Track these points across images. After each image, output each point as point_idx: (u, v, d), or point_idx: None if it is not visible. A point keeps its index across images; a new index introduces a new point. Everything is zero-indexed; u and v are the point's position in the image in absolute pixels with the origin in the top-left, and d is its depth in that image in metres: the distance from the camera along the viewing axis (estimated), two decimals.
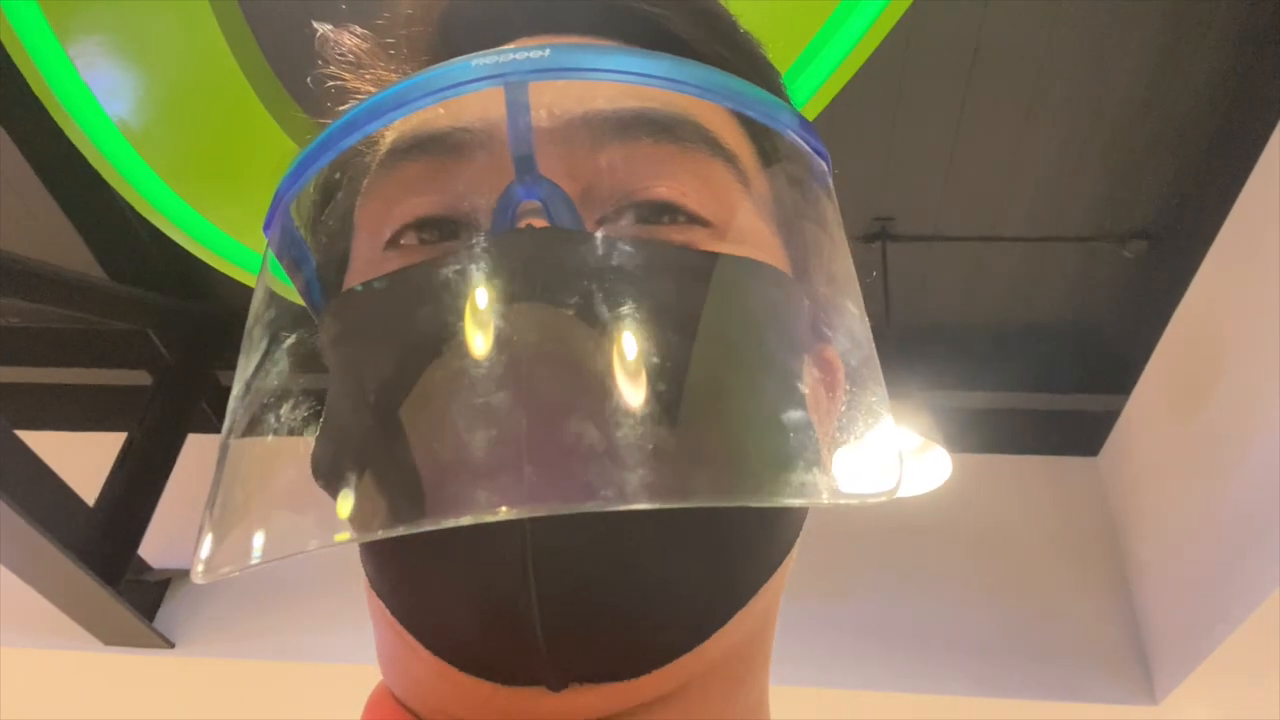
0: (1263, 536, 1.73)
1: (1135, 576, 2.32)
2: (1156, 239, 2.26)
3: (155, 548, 2.42)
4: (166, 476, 2.44)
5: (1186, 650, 2.00)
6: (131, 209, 1.45)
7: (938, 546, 2.38)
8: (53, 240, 2.35)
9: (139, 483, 2.37)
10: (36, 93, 1.32)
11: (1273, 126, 1.77)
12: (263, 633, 2.39)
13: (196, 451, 2.53)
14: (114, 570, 2.22)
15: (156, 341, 2.56)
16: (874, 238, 2.28)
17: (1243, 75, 1.91)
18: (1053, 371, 2.58)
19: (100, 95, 1.31)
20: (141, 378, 2.70)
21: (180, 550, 2.50)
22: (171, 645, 2.40)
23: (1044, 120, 2.07)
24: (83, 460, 2.33)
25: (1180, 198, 2.18)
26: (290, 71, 1.43)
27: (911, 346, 2.39)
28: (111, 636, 2.37)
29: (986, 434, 2.49)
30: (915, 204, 2.27)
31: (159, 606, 2.46)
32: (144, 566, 2.41)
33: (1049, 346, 2.57)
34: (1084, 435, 2.57)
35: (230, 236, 1.39)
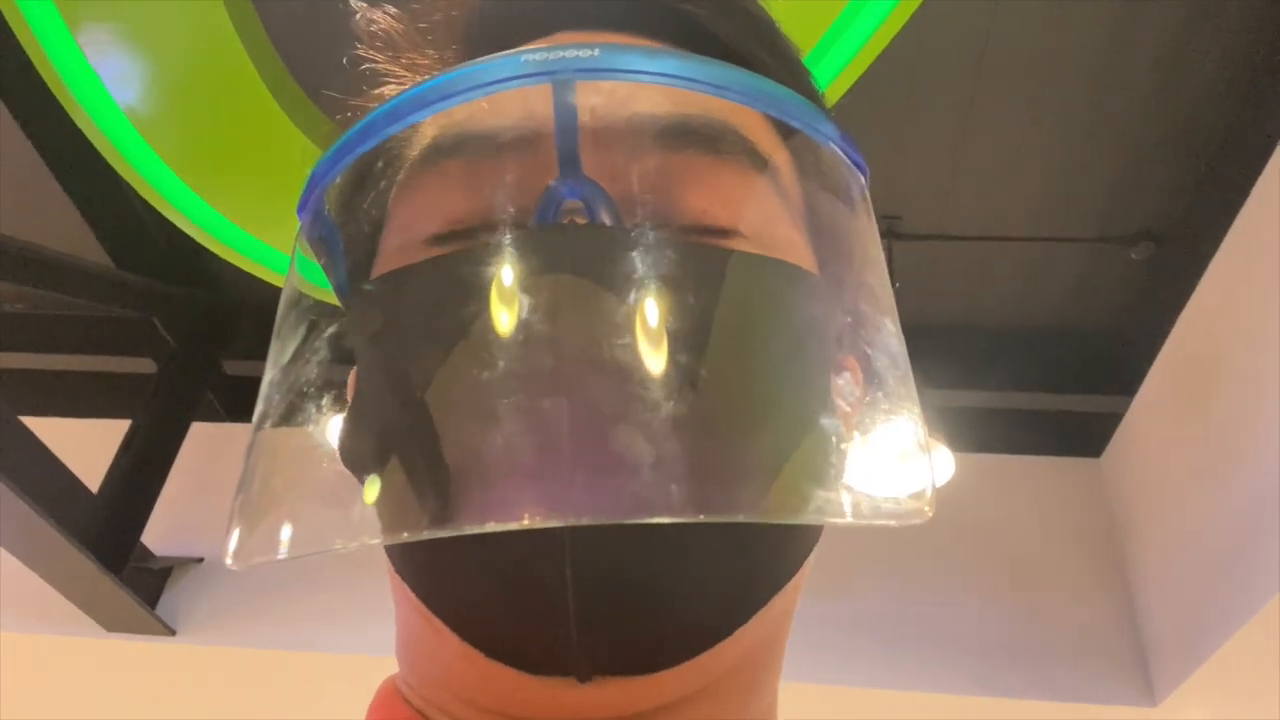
0: (1264, 540, 1.73)
1: (1136, 578, 2.32)
2: (1163, 241, 2.26)
3: (158, 535, 2.43)
4: (170, 464, 2.45)
5: (1186, 652, 2.00)
6: (138, 197, 1.45)
7: (939, 545, 2.38)
8: (59, 227, 2.35)
9: (143, 470, 2.38)
10: (46, 80, 1.33)
11: None
12: (264, 621, 2.40)
13: (200, 440, 2.54)
14: (117, 557, 2.23)
15: (161, 329, 2.56)
16: (880, 236, 2.27)
17: (1251, 76, 1.91)
18: (1057, 372, 2.57)
19: (109, 83, 1.31)
20: (146, 365, 2.71)
21: (183, 538, 2.51)
22: (173, 632, 2.41)
23: (1051, 120, 2.06)
24: (87, 447, 2.34)
25: (1187, 200, 2.17)
26: (299, 61, 1.43)
27: (916, 344, 2.35)
28: (113, 623, 2.38)
29: (989, 434, 2.49)
30: (922, 203, 2.26)
31: (161, 593, 2.47)
32: (147, 553, 2.42)
33: (1053, 347, 2.56)
34: (1087, 436, 2.57)
35: (237, 225, 1.39)
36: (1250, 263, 1.88)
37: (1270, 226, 1.81)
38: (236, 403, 2.79)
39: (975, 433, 2.35)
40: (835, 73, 1.14)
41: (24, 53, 1.32)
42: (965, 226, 2.31)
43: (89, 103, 1.32)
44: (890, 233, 2.29)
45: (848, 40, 1.11)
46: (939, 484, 2.01)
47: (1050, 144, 2.12)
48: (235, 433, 2.68)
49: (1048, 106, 2.04)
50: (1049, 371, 2.57)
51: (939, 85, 2.02)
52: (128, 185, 1.43)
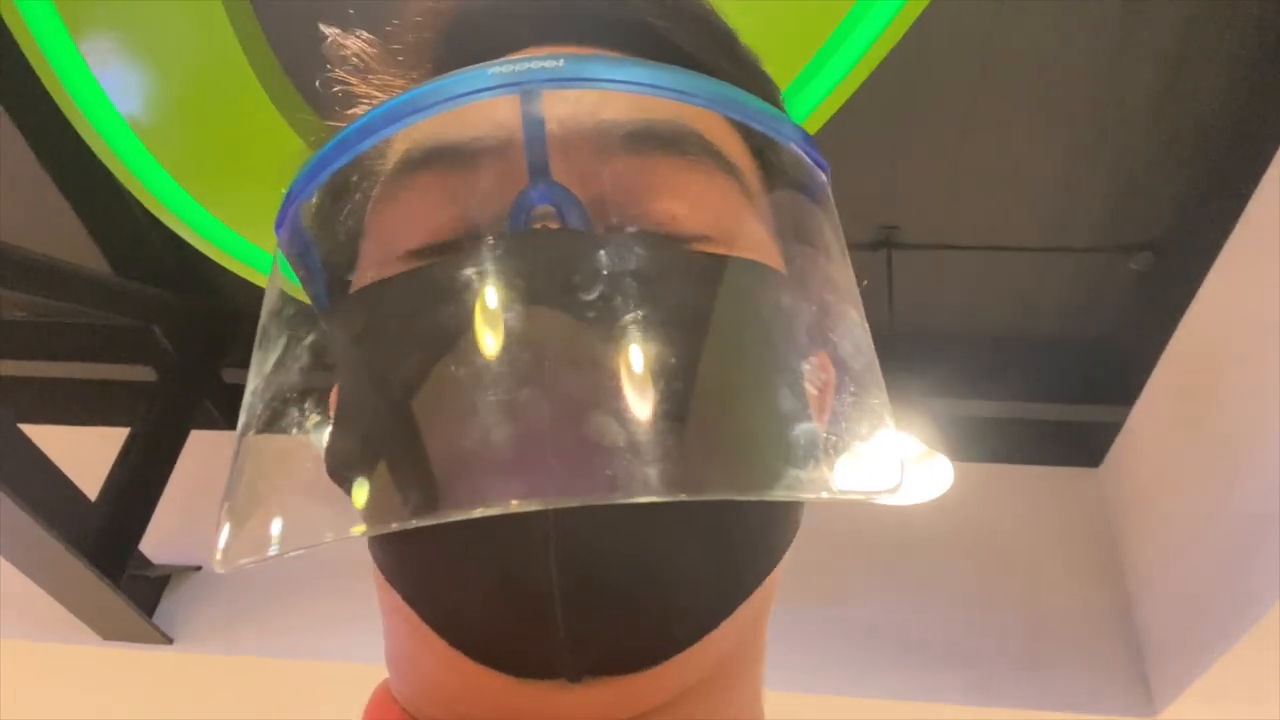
0: (1264, 550, 1.73)
1: (1136, 588, 2.32)
2: (1162, 251, 2.26)
3: (156, 543, 2.42)
4: (169, 472, 2.45)
5: (1186, 662, 1.99)
6: (138, 204, 1.46)
7: (939, 555, 2.38)
8: (59, 235, 2.36)
9: (141, 478, 2.37)
10: (48, 89, 1.33)
11: (1279, 141, 1.77)
12: (261, 630, 2.40)
13: (199, 448, 2.53)
14: (114, 565, 2.23)
15: (161, 337, 2.56)
16: (879, 246, 2.28)
17: (1250, 89, 1.91)
18: (1056, 382, 2.57)
19: (111, 92, 1.32)
20: (146, 373, 2.71)
21: (181, 546, 2.50)
22: (170, 641, 2.40)
23: (1051, 132, 2.07)
24: (85, 455, 2.33)
25: (1186, 211, 2.18)
26: (300, 70, 1.43)
27: (915, 354, 2.39)
28: (111, 631, 2.37)
29: (989, 443, 2.49)
30: (921, 213, 2.27)
31: (158, 602, 2.46)
32: (144, 562, 2.42)
33: (1053, 357, 2.56)
34: (1086, 446, 2.57)
35: (237, 233, 1.40)
36: (1248, 273, 1.88)
37: (1267, 238, 1.81)
38: (235, 411, 2.77)
39: (975, 442, 2.35)
40: (834, 84, 1.15)
41: (26, 61, 1.32)
42: (964, 237, 2.32)
43: (91, 111, 1.32)
44: (889, 242, 2.30)
45: (846, 52, 1.12)
46: (939, 493, 2.01)
47: (1049, 155, 2.12)
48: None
49: (1047, 118, 2.04)
50: (1048, 381, 2.57)
51: (939, 96, 2.03)
52: (129, 193, 1.44)
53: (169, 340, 2.57)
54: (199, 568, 2.50)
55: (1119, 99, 1.99)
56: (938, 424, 1.95)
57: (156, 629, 2.37)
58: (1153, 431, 2.28)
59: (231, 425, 2.70)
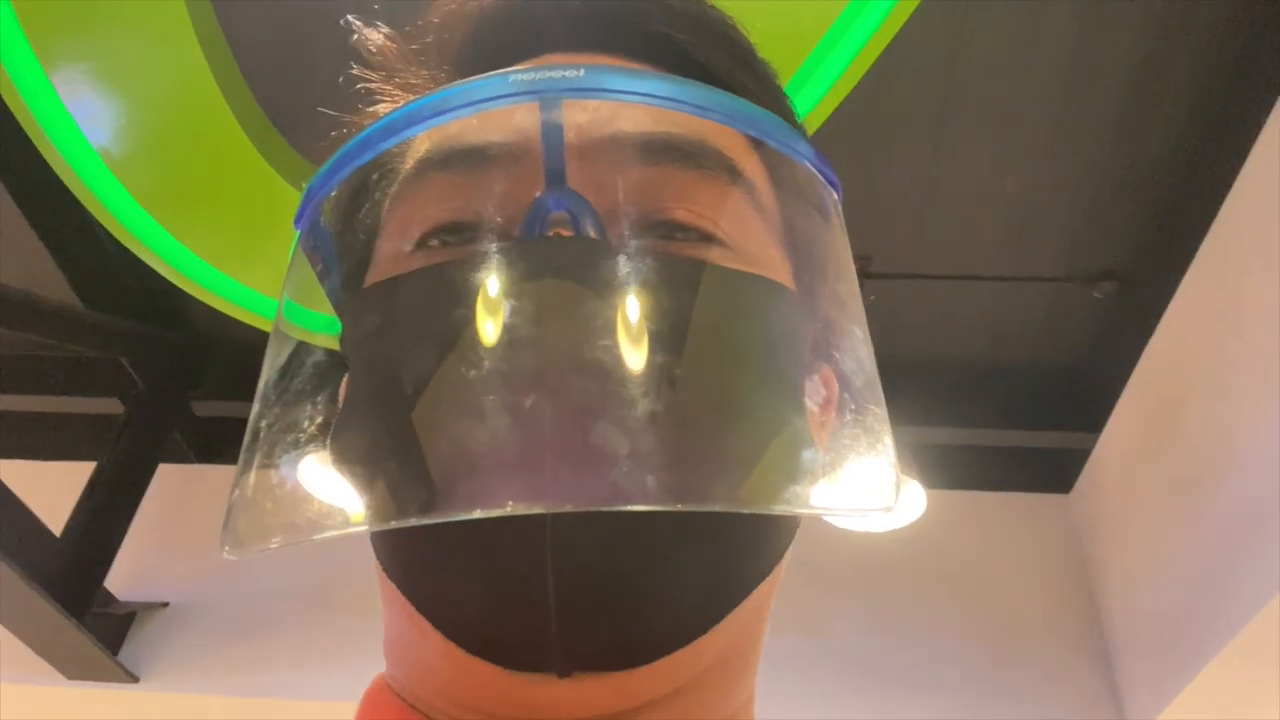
0: (1233, 572, 1.75)
1: (1107, 612, 2.33)
2: (1125, 280, 2.30)
3: (122, 579, 2.38)
4: (135, 507, 2.41)
5: (1160, 685, 2.01)
6: (107, 235, 1.44)
7: (911, 582, 2.39)
8: (27, 265, 2.33)
9: (107, 513, 2.33)
10: (18, 119, 1.32)
11: (1238, 169, 1.82)
12: (229, 668, 2.35)
13: (167, 482, 2.49)
14: (79, 602, 2.18)
15: (129, 369, 2.53)
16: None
17: (1208, 118, 1.96)
18: (1025, 409, 2.60)
19: (82, 123, 1.31)
20: (113, 406, 2.67)
21: (147, 583, 2.46)
22: (136, 679, 2.35)
23: (1014, 164, 2.11)
24: (50, 489, 2.29)
25: (1148, 240, 2.22)
26: (274, 100, 1.43)
27: (886, 382, 2.38)
28: (75, 670, 2.32)
29: (959, 470, 2.51)
30: (892, 243, 2.30)
31: (124, 640, 2.41)
32: (110, 599, 2.37)
33: (1021, 384, 2.59)
34: (1055, 472, 2.60)
35: (209, 264, 1.39)
36: (1210, 300, 1.92)
37: (1228, 264, 1.85)
38: (205, 444, 2.75)
39: (945, 469, 2.36)
40: (824, 91, 1.15)
41: None
42: (934, 266, 2.35)
43: (62, 143, 1.31)
44: (862, 272, 2.32)
45: (836, 57, 1.13)
46: (911, 520, 2.02)
47: (1013, 187, 2.16)
48: (204, 474, 2.64)
49: (1010, 151, 2.09)
50: (1017, 408, 2.60)
51: (903, 132, 2.07)
52: (97, 224, 1.43)
53: (137, 372, 2.54)
54: (166, 604, 2.45)
55: (1079, 129, 2.03)
56: (908, 451, 1.96)
57: (122, 667, 2.32)
58: (1121, 457, 2.31)
59: (201, 459, 2.64)
